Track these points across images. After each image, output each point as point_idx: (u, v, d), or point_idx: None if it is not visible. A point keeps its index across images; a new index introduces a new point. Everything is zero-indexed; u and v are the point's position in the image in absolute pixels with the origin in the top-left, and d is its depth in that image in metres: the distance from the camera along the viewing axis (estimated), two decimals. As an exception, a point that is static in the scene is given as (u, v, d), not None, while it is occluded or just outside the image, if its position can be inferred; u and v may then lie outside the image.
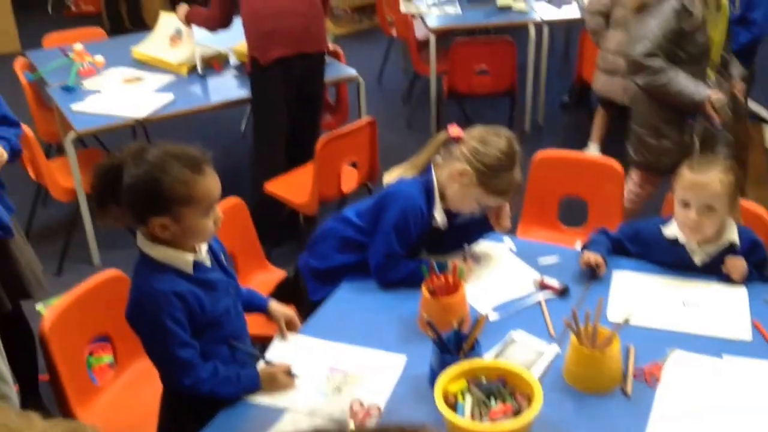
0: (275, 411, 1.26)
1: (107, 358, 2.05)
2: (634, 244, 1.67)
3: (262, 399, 1.28)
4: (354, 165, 2.65)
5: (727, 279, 1.56)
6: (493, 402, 1.17)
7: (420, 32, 3.80)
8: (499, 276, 1.63)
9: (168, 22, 3.11)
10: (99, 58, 3.02)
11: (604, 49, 3.23)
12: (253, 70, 2.69)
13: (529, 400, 1.15)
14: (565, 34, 4.78)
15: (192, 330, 1.24)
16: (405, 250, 1.58)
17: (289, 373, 1.31)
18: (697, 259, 1.59)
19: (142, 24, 5.23)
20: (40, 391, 2.02)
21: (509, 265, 1.67)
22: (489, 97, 3.75)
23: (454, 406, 1.15)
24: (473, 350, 1.27)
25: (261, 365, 1.33)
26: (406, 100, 4.24)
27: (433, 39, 3.57)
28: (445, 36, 3.74)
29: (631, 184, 2.51)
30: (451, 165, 1.56)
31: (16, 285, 1.81)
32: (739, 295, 1.54)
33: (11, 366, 1.66)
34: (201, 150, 1.24)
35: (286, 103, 2.72)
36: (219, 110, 2.86)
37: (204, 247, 1.29)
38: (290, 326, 1.45)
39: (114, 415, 1.55)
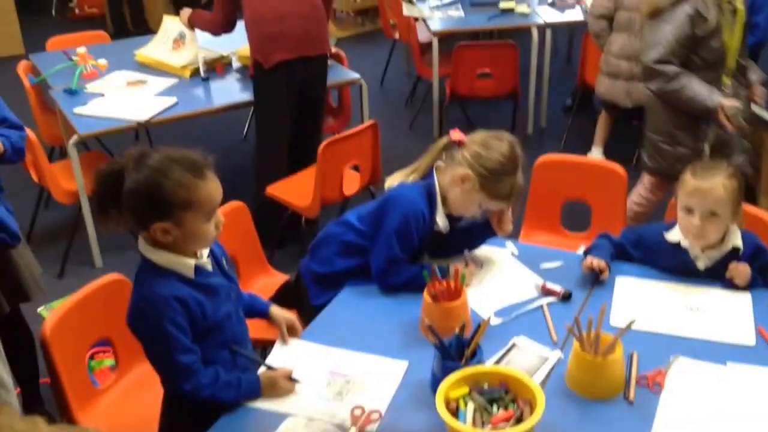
0: (276, 416, 1.25)
1: (108, 361, 2.05)
2: (637, 249, 1.66)
3: (262, 404, 1.28)
4: (356, 168, 2.64)
5: (730, 284, 1.55)
6: (494, 408, 1.16)
7: (423, 35, 3.80)
8: (501, 281, 1.62)
9: (171, 25, 3.12)
10: (102, 62, 3.03)
11: (607, 53, 3.22)
12: (256, 73, 2.69)
13: (532, 406, 1.15)
14: (568, 37, 4.78)
15: (193, 335, 1.24)
16: (407, 255, 1.58)
17: (290, 378, 1.30)
18: (701, 264, 1.58)
19: (145, 27, 5.25)
20: (41, 394, 2.02)
21: (511, 270, 1.66)
22: (492, 101, 3.75)
23: (455, 413, 1.15)
24: (475, 356, 1.27)
25: (262, 370, 1.33)
26: (408, 104, 4.24)
27: (435, 42, 3.57)
28: (447, 39, 3.74)
29: (642, 189, 2.49)
30: (453, 169, 1.56)
31: (16, 288, 1.81)
32: (743, 300, 1.53)
33: (12, 369, 1.66)
34: (202, 154, 1.23)
35: (289, 106, 2.73)
36: (221, 113, 2.87)
37: (205, 252, 1.28)
38: (292, 331, 1.44)
39: (115, 419, 1.54)
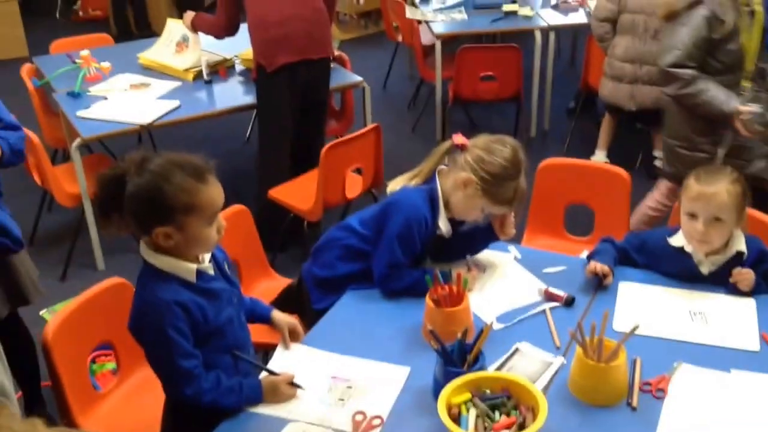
0: (277, 421, 1.25)
1: (110, 365, 2.05)
2: (641, 254, 1.65)
3: (264, 409, 1.27)
4: (359, 171, 2.64)
5: (734, 290, 1.54)
6: (497, 415, 1.15)
7: (426, 38, 3.80)
8: (503, 285, 1.62)
9: (175, 28, 3.13)
10: (105, 65, 3.03)
11: (610, 56, 3.21)
12: (259, 76, 2.70)
13: (534, 412, 1.14)
14: (572, 39, 4.77)
15: (195, 339, 1.24)
16: (409, 259, 1.57)
17: (291, 384, 1.30)
18: (705, 269, 1.57)
19: (149, 30, 5.27)
20: (44, 396, 2.02)
21: (514, 275, 1.65)
22: (495, 104, 3.75)
23: (457, 419, 1.14)
24: (477, 361, 1.26)
25: (263, 375, 1.33)
26: (411, 106, 4.24)
27: (438, 45, 3.57)
28: (450, 42, 3.73)
29: (659, 195, 2.46)
30: (456, 173, 1.55)
31: (16, 293, 1.81)
32: (748, 306, 1.52)
33: (12, 372, 1.66)
34: (204, 158, 1.23)
35: (291, 109, 2.73)
36: (224, 116, 2.87)
37: (207, 256, 1.28)
38: (294, 335, 1.44)
39: (116, 423, 1.54)
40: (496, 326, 1.46)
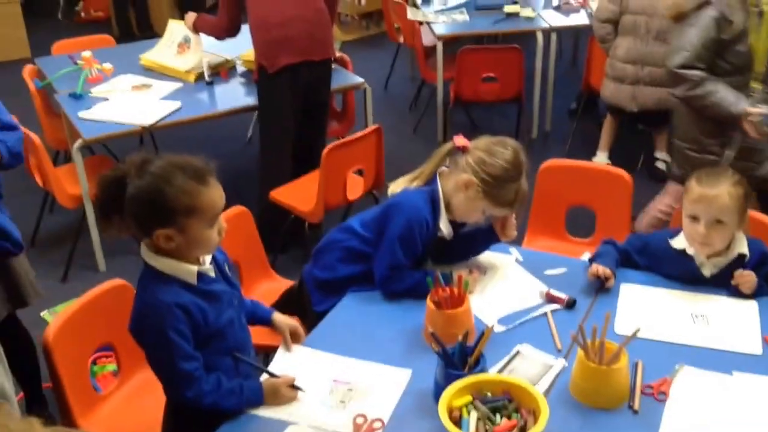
0: (278, 423, 1.24)
1: (111, 366, 2.05)
2: (643, 256, 1.65)
3: (264, 411, 1.27)
4: (360, 173, 2.64)
5: (736, 292, 1.54)
6: (498, 418, 1.15)
7: (427, 39, 3.80)
8: (504, 287, 1.61)
9: (176, 29, 3.13)
10: (107, 66, 3.03)
11: (612, 57, 3.21)
12: (261, 77, 2.70)
13: (535, 415, 1.14)
14: (573, 40, 4.76)
15: (195, 342, 1.24)
16: (410, 261, 1.57)
17: (292, 386, 1.30)
18: (706, 271, 1.57)
19: (151, 31, 5.27)
20: (45, 398, 2.02)
21: (515, 277, 1.65)
22: (496, 105, 3.74)
23: (458, 422, 1.14)
24: (478, 364, 1.26)
25: (264, 377, 1.32)
26: (412, 107, 4.24)
27: (440, 46, 3.56)
28: (452, 43, 3.73)
29: (668, 198, 2.43)
30: (457, 175, 1.55)
31: (15, 294, 1.80)
32: (750, 308, 1.51)
33: (14, 373, 1.66)
34: (205, 160, 1.23)
35: (293, 110, 2.73)
36: (225, 117, 2.87)
37: (208, 258, 1.28)
38: (295, 337, 1.44)
39: (116, 425, 1.54)
40: (498, 328, 1.46)
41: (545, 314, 1.52)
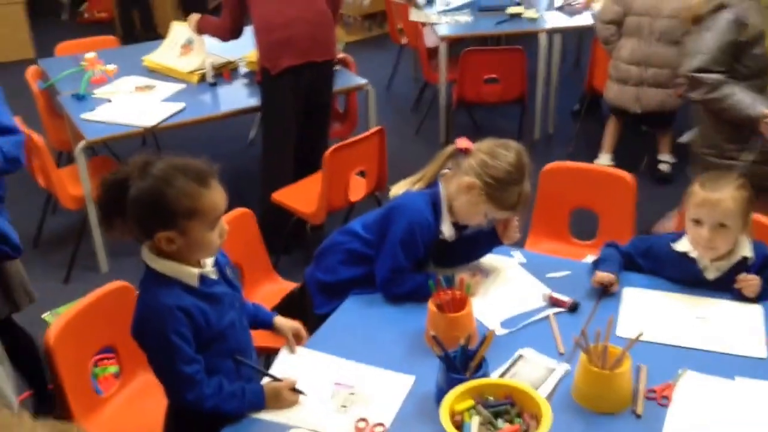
0: (279, 427, 1.24)
1: (112, 368, 2.05)
2: (646, 258, 1.64)
3: (266, 415, 1.27)
4: (362, 174, 2.64)
5: (740, 296, 1.53)
6: (500, 422, 1.14)
7: (430, 40, 3.80)
8: (507, 290, 1.61)
9: (180, 31, 3.14)
10: (110, 67, 3.04)
11: (616, 58, 3.20)
12: (263, 79, 2.70)
13: (538, 420, 1.13)
14: (577, 41, 4.75)
15: (197, 344, 1.23)
16: (412, 264, 1.56)
17: (294, 390, 1.29)
18: (710, 275, 1.56)
19: (154, 32, 5.28)
20: (51, 398, 2.01)
21: (518, 279, 1.64)
22: (499, 106, 3.73)
23: (460, 426, 1.13)
24: (480, 368, 1.25)
25: (266, 380, 1.32)
26: (415, 109, 4.24)
27: (443, 47, 3.56)
28: (455, 44, 3.73)
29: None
30: (460, 178, 1.54)
31: (8, 299, 1.79)
32: (753, 312, 1.51)
33: (19, 373, 1.66)
34: (207, 162, 1.23)
35: (295, 112, 2.73)
36: (228, 119, 2.87)
37: (210, 260, 1.28)
38: (297, 340, 1.43)
39: (118, 427, 1.54)
40: (500, 332, 1.45)
41: (548, 317, 1.51)
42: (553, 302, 1.55)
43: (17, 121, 1.77)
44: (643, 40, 3.09)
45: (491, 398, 1.18)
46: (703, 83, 2.12)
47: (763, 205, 1.68)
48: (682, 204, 2.45)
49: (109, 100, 2.82)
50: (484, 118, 3.97)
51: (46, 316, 2.51)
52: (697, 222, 1.51)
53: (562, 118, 3.93)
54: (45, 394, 1.99)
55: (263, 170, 2.87)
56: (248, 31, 2.78)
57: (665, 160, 3.40)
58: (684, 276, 1.58)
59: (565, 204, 2.20)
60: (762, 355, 1.39)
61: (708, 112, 2.21)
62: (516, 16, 3.73)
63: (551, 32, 3.62)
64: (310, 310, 1.64)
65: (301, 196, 2.63)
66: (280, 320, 1.45)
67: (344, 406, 1.28)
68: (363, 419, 1.24)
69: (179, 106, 2.76)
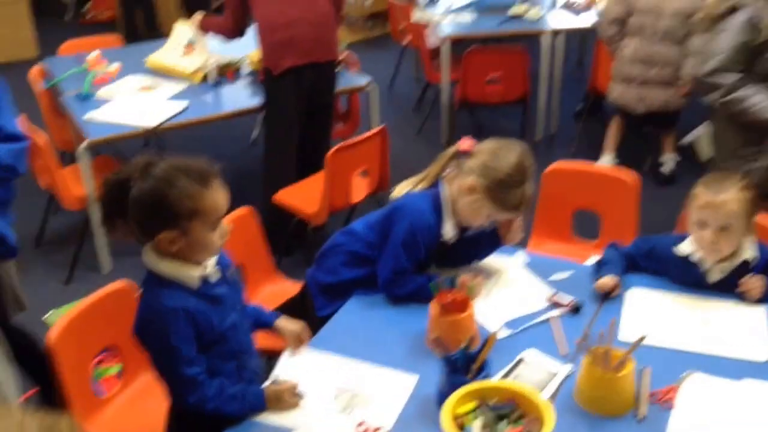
0: (281, 430, 1.24)
1: (114, 368, 2.04)
2: (649, 260, 1.63)
3: (267, 417, 1.26)
4: (364, 174, 2.63)
5: (744, 298, 1.52)
6: (503, 425, 1.14)
7: (432, 40, 3.79)
8: (509, 292, 1.60)
9: (183, 30, 3.14)
10: (114, 66, 3.04)
11: (619, 58, 3.19)
12: (266, 79, 2.70)
13: (540, 422, 1.12)
14: (580, 41, 4.74)
15: (199, 346, 1.23)
16: (413, 265, 1.56)
17: (295, 392, 1.29)
18: (713, 277, 1.55)
19: (158, 32, 5.28)
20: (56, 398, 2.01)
21: (520, 281, 1.64)
22: (501, 106, 3.73)
23: (462, 429, 1.13)
24: (482, 370, 1.25)
25: (267, 383, 1.32)
26: (417, 109, 4.23)
27: (446, 47, 3.55)
28: (457, 44, 3.72)
29: None
30: (462, 179, 1.54)
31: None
32: (757, 314, 1.50)
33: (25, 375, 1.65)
34: (209, 163, 1.23)
35: (298, 112, 2.72)
36: (230, 118, 2.87)
37: (212, 261, 1.28)
38: (300, 341, 1.43)
39: (119, 428, 1.54)
40: (502, 334, 1.45)
41: (550, 319, 1.50)
42: (556, 304, 1.54)
43: (22, 121, 1.74)
44: (647, 40, 3.08)
45: (494, 401, 1.18)
46: (719, 86, 2.10)
47: None
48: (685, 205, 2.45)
49: (113, 100, 2.82)
50: (486, 119, 3.96)
51: (47, 316, 2.51)
52: (701, 224, 1.50)
53: (564, 119, 3.92)
54: (50, 394, 1.98)
55: (265, 170, 2.86)
56: (251, 31, 2.77)
57: (668, 160, 3.39)
58: (687, 278, 1.57)
59: (567, 205, 2.19)
60: (765, 358, 1.38)
61: (727, 117, 2.19)
62: (518, 16, 3.72)
63: (554, 32, 3.61)
64: (311, 312, 1.64)
65: (303, 197, 2.63)
66: (282, 322, 1.44)
67: (346, 409, 1.27)
68: (364, 423, 1.23)
69: (182, 105, 2.76)
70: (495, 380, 1.27)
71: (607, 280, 1.55)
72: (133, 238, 1.23)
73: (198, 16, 3.00)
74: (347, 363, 1.38)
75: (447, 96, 3.69)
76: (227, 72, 3.04)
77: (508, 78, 3.47)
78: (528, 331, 1.47)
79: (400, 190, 1.61)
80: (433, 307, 1.41)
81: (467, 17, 3.77)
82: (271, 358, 1.50)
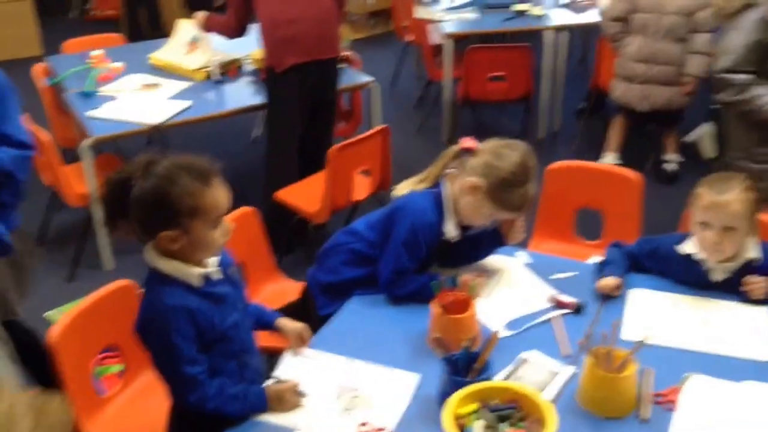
0: (282, 430, 1.24)
1: (115, 367, 2.05)
2: (652, 260, 1.63)
3: (269, 417, 1.26)
4: (366, 173, 2.63)
5: (747, 298, 1.51)
6: (504, 426, 1.13)
7: (435, 38, 3.78)
8: (511, 292, 1.60)
9: (186, 28, 3.14)
10: (117, 64, 3.04)
11: (622, 56, 3.18)
12: (268, 76, 2.69)
13: (542, 424, 1.12)
14: (583, 39, 4.72)
15: (200, 345, 1.23)
16: (415, 265, 1.56)
17: (297, 392, 1.29)
18: (716, 277, 1.54)
19: (161, 30, 5.28)
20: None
21: (522, 281, 1.63)
22: (504, 104, 3.72)
23: (463, 430, 1.12)
24: (484, 370, 1.24)
25: (269, 382, 1.32)
26: (418, 106, 4.22)
27: (448, 44, 3.54)
28: (460, 42, 3.71)
29: None
30: (464, 178, 1.53)
31: None
32: (761, 314, 1.49)
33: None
34: (210, 161, 1.23)
35: (300, 110, 2.72)
36: (233, 116, 2.87)
37: (214, 260, 1.28)
38: (302, 341, 1.43)
39: (121, 427, 1.54)
40: (504, 334, 1.44)
41: (552, 319, 1.50)
42: (558, 304, 1.54)
43: (25, 119, 1.74)
44: (650, 38, 3.07)
45: (495, 402, 1.17)
46: (732, 84, 2.08)
47: None
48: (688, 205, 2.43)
49: (116, 98, 2.82)
50: (488, 116, 3.95)
51: (50, 314, 2.51)
52: (705, 225, 1.49)
53: (567, 117, 3.91)
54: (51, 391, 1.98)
55: (267, 169, 2.86)
56: (254, 29, 2.77)
57: (671, 159, 3.38)
58: (690, 278, 1.57)
59: (570, 204, 2.19)
60: (769, 358, 1.37)
61: (738, 115, 2.17)
62: (522, 13, 3.70)
63: (557, 29, 3.59)
64: (312, 311, 1.64)
65: (305, 195, 2.63)
66: (283, 322, 1.44)
67: (348, 409, 1.27)
68: (365, 423, 1.23)
69: (185, 104, 2.76)
70: (497, 381, 1.27)
71: (609, 281, 1.54)
72: (135, 237, 1.23)
73: (201, 14, 2.99)
74: (348, 363, 1.38)
75: (449, 93, 3.68)
76: (229, 70, 3.04)
77: (510, 76, 3.45)
78: (530, 332, 1.47)
79: (402, 189, 1.61)
80: (434, 307, 1.40)
81: (470, 14, 3.76)
82: (273, 357, 1.50)
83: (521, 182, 1.50)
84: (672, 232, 1.80)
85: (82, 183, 2.68)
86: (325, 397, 1.30)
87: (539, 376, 1.33)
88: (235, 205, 1.40)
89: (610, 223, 2.15)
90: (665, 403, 1.27)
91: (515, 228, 1.61)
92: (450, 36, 3.54)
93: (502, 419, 1.15)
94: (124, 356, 1.63)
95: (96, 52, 3.02)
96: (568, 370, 1.34)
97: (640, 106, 3.17)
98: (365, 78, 3.01)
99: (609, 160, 3.36)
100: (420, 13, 3.84)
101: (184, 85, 2.94)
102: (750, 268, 1.52)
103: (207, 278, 1.25)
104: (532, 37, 3.78)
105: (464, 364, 1.26)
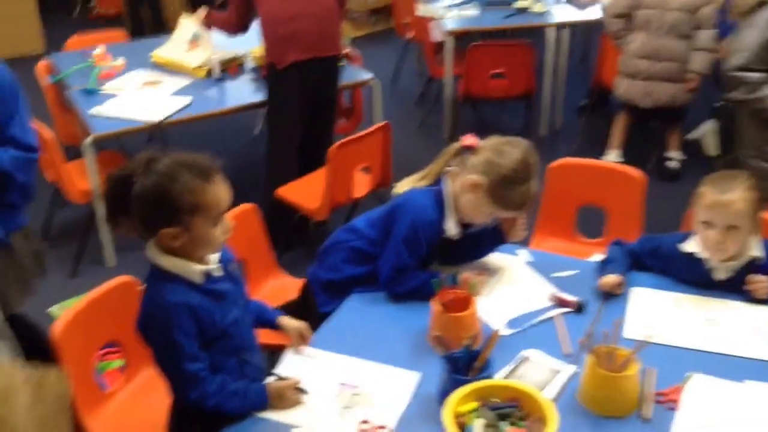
0: (282, 427, 1.24)
1: (117, 362, 2.05)
2: (654, 258, 1.62)
3: (269, 415, 1.26)
4: (367, 170, 2.62)
5: (750, 297, 1.51)
6: (505, 425, 1.13)
7: (436, 35, 3.77)
8: (512, 290, 1.59)
9: (187, 26, 3.13)
10: (119, 62, 3.04)
11: (625, 53, 3.16)
12: (269, 74, 2.69)
13: (543, 423, 1.12)
14: (585, 36, 4.70)
15: (201, 342, 1.23)
16: (416, 262, 1.55)
17: (298, 389, 1.29)
18: (719, 275, 1.54)
19: (164, 27, 5.28)
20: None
21: (523, 279, 1.63)
22: (505, 101, 3.71)
23: (464, 428, 1.12)
24: (485, 369, 1.24)
25: (270, 380, 1.32)
26: (419, 103, 4.21)
27: (449, 41, 3.53)
28: (461, 39, 3.70)
29: None
30: (465, 176, 1.53)
31: None
32: (764, 313, 1.48)
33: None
34: (210, 158, 1.23)
35: (301, 107, 2.72)
36: (234, 113, 2.86)
37: (214, 257, 1.28)
38: (303, 339, 1.43)
39: (122, 423, 1.55)
40: (505, 332, 1.44)
41: (554, 318, 1.49)
42: (560, 302, 1.53)
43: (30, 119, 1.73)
44: (653, 34, 3.05)
45: (496, 400, 1.17)
46: (744, 82, 2.06)
47: None
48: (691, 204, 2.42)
49: (118, 95, 2.82)
50: (489, 114, 3.94)
51: (52, 309, 2.52)
52: (708, 224, 1.48)
53: (569, 114, 3.90)
54: None
55: (268, 166, 2.86)
56: (254, 27, 2.76)
57: (674, 157, 3.36)
58: (693, 277, 1.56)
59: (572, 201, 2.18)
60: (771, 357, 1.37)
61: (750, 114, 2.15)
62: (523, 10, 3.69)
63: (559, 26, 3.58)
64: (313, 309, 1.64)
65: (305, 192, 2.63)
66: (284, 319, 1.44)
67: (348, 407, 1.27)
68: (366, 421, 1.23)
69: (186, 100, 2.76)
70: (497, 379, 1.27)
71: (611, 279, 1.54)
72: (137, 234, 1.23)
73: (202, 11, 2.99)
74: (349, 360, 1.38)
75: (450, 91, 3.68)
76: (230, 67, 3.04)
77: (512, 73, 3.44)
78: (531, 330, 1.46)
79: (403, 186, 1.61)
80: (434, 305, 1.40)
81: (471, 11, 3.75)
82: (273, 354, 1.50)
83: (522, 180, 1.50)
84: (674, 230, 1.79)
85: (84, 180, 2.68)
86: (325, 395, 1.30)
87: (540, 374, 1.33)
88: (236, 202, 1.40)
89: (612, 221, 2.15)
90: (667, 403, 1.26)
91: (516, 226, 1.61)
92: (451, 33, 3.53)
93: (503, 418, 1.15)
94: (126, 352, 1.64)
95: (98, 50, 3.02)
96: (569, 369, 1.34)
97: (643, 102, 3.16)
98: (366, 75, 3.00)
99: (612, 157, 3.35)
100: (421, 10, 3.83)
101: (185, 82, 2.94)
102: (753, 267, 1.52)
103: (208, 275, 1.25)
104: (534, 34, 3.77)
105: (465, 363, 1.25)
